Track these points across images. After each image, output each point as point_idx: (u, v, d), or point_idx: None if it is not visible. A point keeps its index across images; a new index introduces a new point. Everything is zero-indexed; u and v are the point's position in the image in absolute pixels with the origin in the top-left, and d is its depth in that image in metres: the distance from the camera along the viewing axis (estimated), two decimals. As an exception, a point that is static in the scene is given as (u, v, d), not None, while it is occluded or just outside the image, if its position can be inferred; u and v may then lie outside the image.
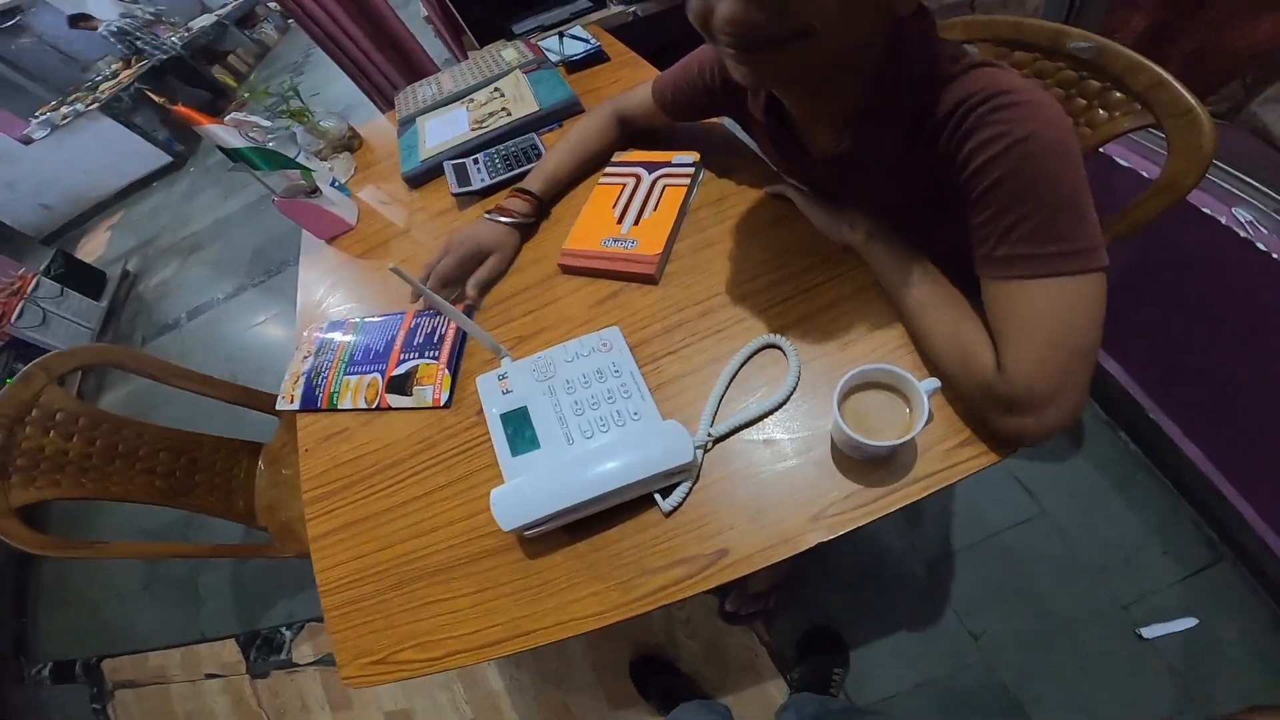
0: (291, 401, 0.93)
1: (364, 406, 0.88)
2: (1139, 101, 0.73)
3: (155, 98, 1.07)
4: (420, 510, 0.74)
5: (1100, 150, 0.84)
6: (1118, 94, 0.76)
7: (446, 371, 0.85)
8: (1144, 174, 1.07)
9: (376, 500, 0.77)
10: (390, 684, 0.66)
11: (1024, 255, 0.52)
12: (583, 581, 0.62)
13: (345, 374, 0.92)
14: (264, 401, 1.45)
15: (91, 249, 4.64)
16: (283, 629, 1.86)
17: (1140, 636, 1.19)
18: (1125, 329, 1.31)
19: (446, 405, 0.82)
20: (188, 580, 2.12)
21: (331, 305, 1.08)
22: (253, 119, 1.19)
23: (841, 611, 1.34)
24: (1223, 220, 0.98)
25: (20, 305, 3.15)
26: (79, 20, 5.64)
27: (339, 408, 0.90)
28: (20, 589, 2.48)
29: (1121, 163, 1.09)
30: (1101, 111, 0.78)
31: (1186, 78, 0.69)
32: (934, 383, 0.56)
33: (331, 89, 3.74)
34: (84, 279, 3.69)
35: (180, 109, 0.97)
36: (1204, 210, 1.00)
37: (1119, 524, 1.30)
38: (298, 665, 1.79)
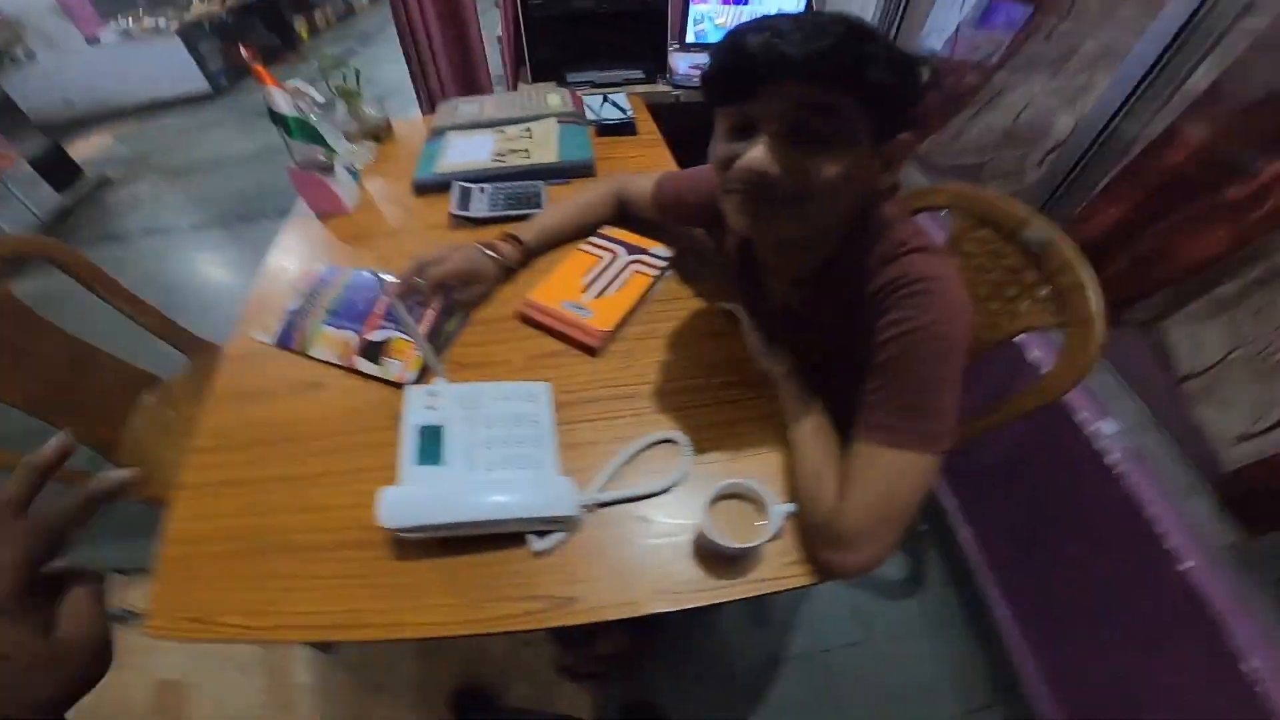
0: (269, 334, 0.94)
1: (335, 361, 0.89)
2: (1056, 301, 0.78)
3: (244, 50, 1.14)
4: (302, 490, 0.74)
5: (1015, 340, 0.89)
6: (1046, 289, 0.80)
7: (418, 354, 0.85)
8: (1043, 371, 1.12)
9: (262, 467, 0.77)
10: (200, 643, 0.63)
11: (886, 425, 0.61)
12: (438, 592, 0.65)
13: (325, 324, 0.93)
14: (182, 339, 1.40)
15: (86, 149, 4.54)
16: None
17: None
18: (983, 503, 1.45)
19: (414, 384, 0.83)
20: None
21: (296, 273, 1.08)
22: (310, 91, 1.25)
23: (669, 694, 1.37)
24: (1089, 428, 1.04)
25: (-13, 179, 3.12)
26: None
27: (310, 354, 0.90)
28: None
29: (1027, 356, 1.15)
30: (1025, 304, 0.83)
31: (1128, 279, 0.72)
32: (790, 507, 0.65)
33: (383, 70, 3.77)
34: (59, 171, 3.70)
35: (258, 67, 1.07)
36: (1072, 415, 1.07)
37: (927, 662, 1.43)
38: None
